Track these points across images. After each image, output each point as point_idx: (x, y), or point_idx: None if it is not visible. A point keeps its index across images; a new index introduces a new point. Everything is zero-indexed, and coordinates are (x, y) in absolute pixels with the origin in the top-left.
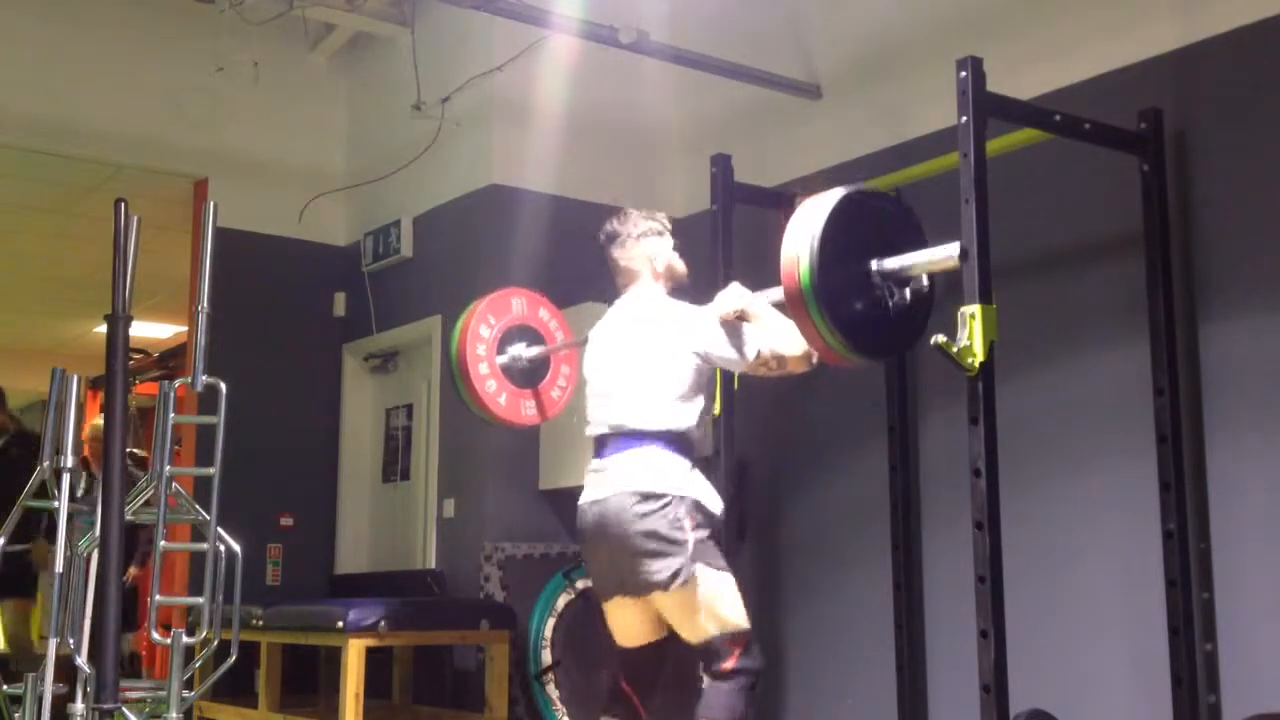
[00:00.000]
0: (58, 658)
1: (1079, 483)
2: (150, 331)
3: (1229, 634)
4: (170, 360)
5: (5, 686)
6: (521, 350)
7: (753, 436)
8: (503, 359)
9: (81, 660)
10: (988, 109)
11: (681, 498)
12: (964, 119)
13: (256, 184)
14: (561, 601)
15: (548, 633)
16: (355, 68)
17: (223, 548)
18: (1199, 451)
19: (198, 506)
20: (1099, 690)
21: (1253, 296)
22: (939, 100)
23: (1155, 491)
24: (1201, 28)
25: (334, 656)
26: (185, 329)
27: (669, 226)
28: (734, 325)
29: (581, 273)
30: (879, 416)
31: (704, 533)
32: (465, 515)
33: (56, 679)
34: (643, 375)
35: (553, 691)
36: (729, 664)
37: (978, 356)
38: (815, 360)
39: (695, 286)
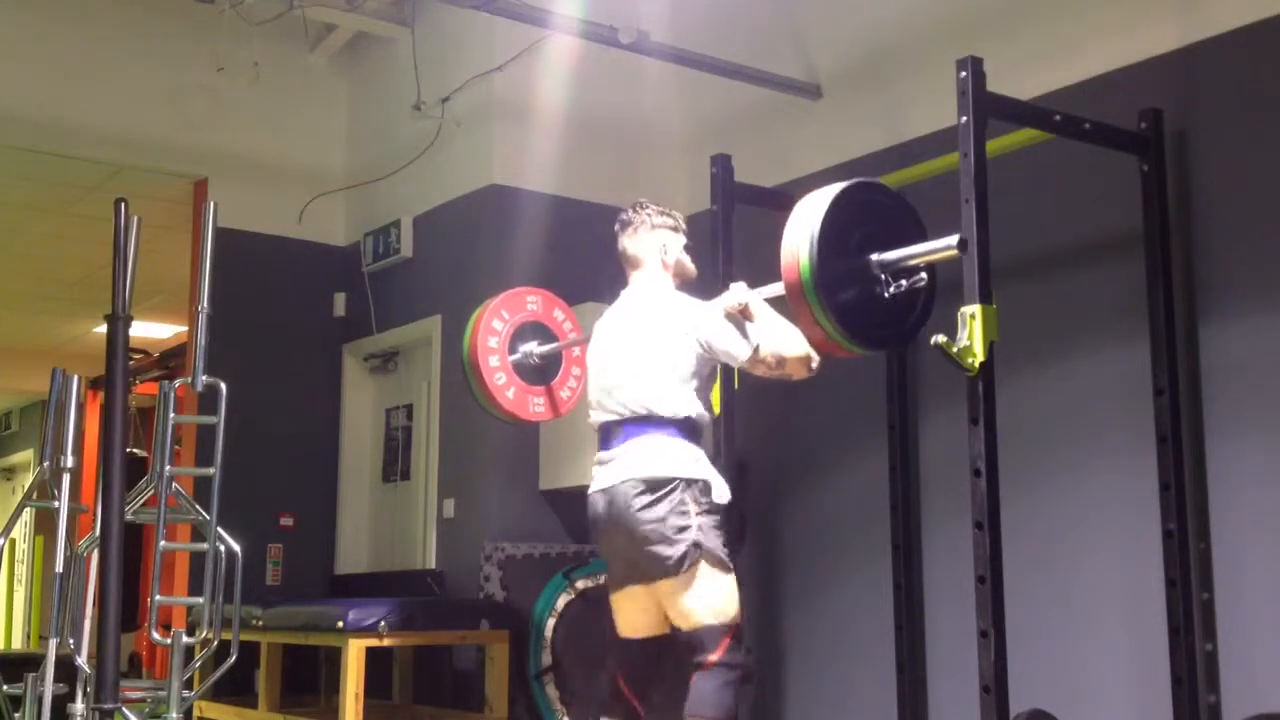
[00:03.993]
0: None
1: (1079, 483)
2: (150, 331)
3: (1229, 634)
4: (170, 360)
5: (5, 686)
6: (533, 347)
7: (753, 436)
8: (515, 356)
9: (82, 660)
10: (988, 109)
11: (688, 482)
12: (964, 119)
13: (256, 184)
14: (561, 601)
15: (548, 633)
16: (355, 68)
17: (223, 548)
18: (1199, 451)
19: (198, 506)
20: (1099, 690)
21: (1253, 296)
22: (939, 100)
23: (1155, 491)
24: (1201, 28)
25: (334, 656)
26: (185, 329)
27: (683, 225)
28: (736, 320)
29: (582, 273)
30: (879, 416)
31: (710, 519)
32: (465, 515)
33: (56, 679)
34: (647, 362)
35: (553, 691)
36: (715, 655)
37: (978, 356)
38: (814, 366)
39: (696, 286)
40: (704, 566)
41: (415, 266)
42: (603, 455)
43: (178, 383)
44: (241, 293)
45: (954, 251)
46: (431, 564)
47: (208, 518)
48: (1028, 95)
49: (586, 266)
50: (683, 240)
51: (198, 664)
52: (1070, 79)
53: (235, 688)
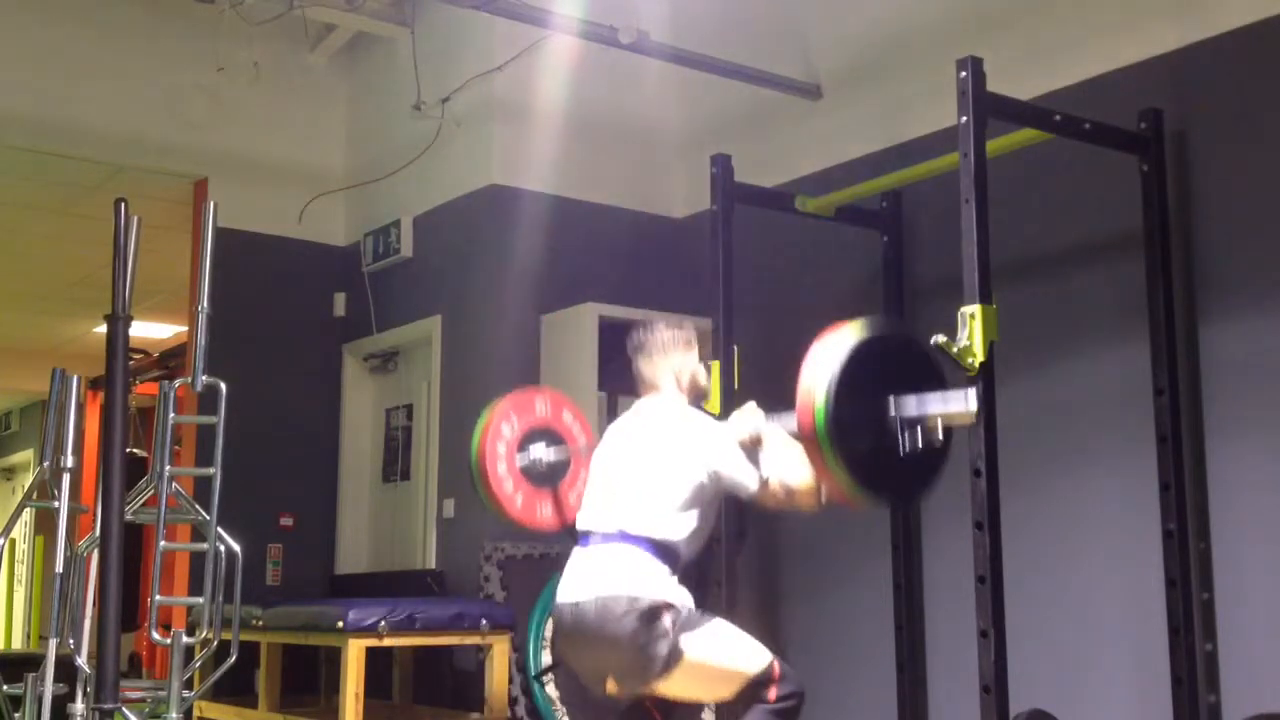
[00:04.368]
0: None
1: (1079, 483)
2: (150, 331)
3: (1229, 634)
4: (170, 360)
5: (5, 686)
6: (542, 451)
7: None
8: (523, 460)
9: (82, 660)
10: (988, 109)
11: (654, 599)
12: (964, 119)
13: (256, 184)
14: None
15: (548, 633)
16: (355, 68)
17: (223, 548)
18: (1199, 451)
19: (198, 506)
20: (1099, 690)
21: (1253, 296)
22: (939, 100)
23: (1155, 491)
24: (1201, 28)
25: (334, 656)
26: (185, 329)
27: (696, 338)
28: (749, 449)
29: (580, 273)
30: None
31: (677, 613)
32: (465, 515)
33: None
34: (646, 479)
35: (553, 691)
36: (772, 695)
37: (978, 356)
38: (824, 499)
39: (697, 288)
40: (691, 649)
41: (415, 266)
42: (574, 563)
43: (178, 383)
44: (241, 293)
45: (971, 415)
46: (431, 564)
47: (208, 518)
48: (1028, 95)
49: (586, 267)
50: (695, 354)
51: (198, 664)
52: (1070, 79)
53: (235, 688)
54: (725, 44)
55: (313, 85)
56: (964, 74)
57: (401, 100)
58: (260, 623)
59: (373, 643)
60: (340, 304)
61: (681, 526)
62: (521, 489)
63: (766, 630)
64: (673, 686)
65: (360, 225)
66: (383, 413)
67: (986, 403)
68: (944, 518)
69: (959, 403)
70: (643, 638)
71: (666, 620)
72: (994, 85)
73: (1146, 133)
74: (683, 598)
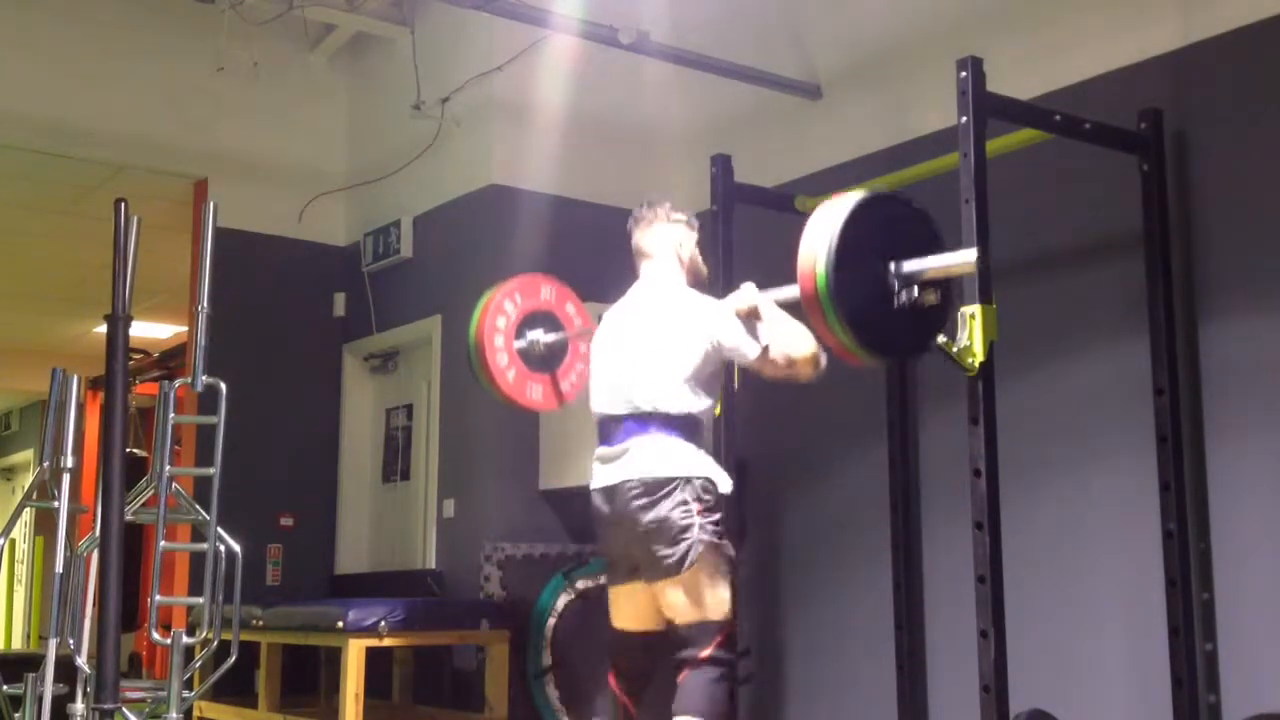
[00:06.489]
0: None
1: (1079, 483)
2: (150, 331)
3: (1229, 634)
4: (170, 360)
5: (5, 686)
6: (540, 335)
7: (753, 436)
8: (520, 343)
9: (82, 660)
10: (988, 109)
11: (688, 480)
12: (964, 119)
13: (256, 184)
14: (561, 601)
15: (548, 633)
16: (355, 68)
17: (223, 548)
18: (1199, 451)
19: (198, 506)
20: (1099, 690)
21: (1253, 296)
22: (939, 100)
23: (1155, 491)
24: (1201, 28)
25: (334, 656)
26: (185, 329)
27: (696, 224)
28: (747, 321)
29: (580, 273)
30: (879, 416)
31: (713, 517)
32: (465, 515)
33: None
34: (654, 358)
35: (552, 691)
36: (707, 651)
37: (978, 356)
38: (822, 366)
39: (698, 287)
40: (704, 566)
41: (415, 266)
42: (602, 452)
43: (178, 383)
44: (241, 293)
45: (971, 266)
46: (431, 564)
47: (208, 518)
48: (1028, 95)
49: (586, 267)
50: (696, 236)
51: (198, 664)
52: (1070, 79)
53: (235, 688)
54: (725, 44)
55: (313, 85)
56: (964, 74)
57: (401, 100)
58: (260, 623)
59: (373, 643)
60: (340, 304)
61: (697, 398)
62: (515, 366)
63: (767, 630)
64: (670, 583)
65: (360, 225)
66: (383, 413)
67: (986, 403)
68: (944, 518)
69: (959, 257)
70: (670, 518)
71: (696, 519)
72: (994, 85)
73: (1146, 133)
74: (714, 470)
